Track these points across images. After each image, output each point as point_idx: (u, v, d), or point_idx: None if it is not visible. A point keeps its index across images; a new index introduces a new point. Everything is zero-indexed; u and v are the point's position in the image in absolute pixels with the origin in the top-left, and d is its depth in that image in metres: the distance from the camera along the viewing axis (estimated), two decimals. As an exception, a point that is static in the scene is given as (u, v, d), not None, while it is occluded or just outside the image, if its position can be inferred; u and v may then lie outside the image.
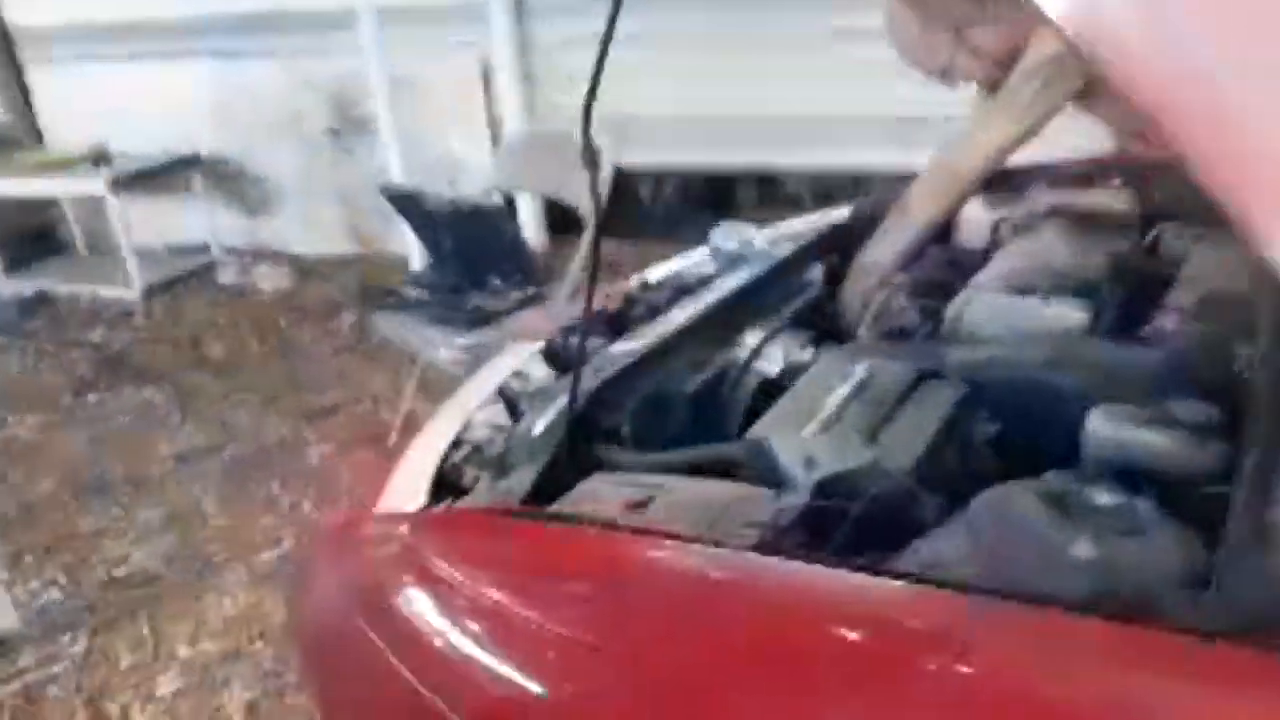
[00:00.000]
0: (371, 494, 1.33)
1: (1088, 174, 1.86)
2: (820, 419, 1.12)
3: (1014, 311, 1.35)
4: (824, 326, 1.71)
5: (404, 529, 1.16)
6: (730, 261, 1.92)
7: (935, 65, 1.76)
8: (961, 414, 1.16)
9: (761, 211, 4.55)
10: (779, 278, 1.77)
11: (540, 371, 1.56)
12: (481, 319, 2.53)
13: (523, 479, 1.18)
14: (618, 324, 1.81)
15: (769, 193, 4.55)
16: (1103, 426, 1.06)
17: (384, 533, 1.19)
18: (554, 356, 1.64)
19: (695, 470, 1.28)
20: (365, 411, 3.29)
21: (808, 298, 1.78)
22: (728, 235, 2.02)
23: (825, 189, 4.60)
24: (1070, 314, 1.32)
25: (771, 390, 1.51)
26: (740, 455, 1.21)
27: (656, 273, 1.96)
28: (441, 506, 1.19)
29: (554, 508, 1.09)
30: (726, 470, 1.19)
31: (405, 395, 2.97)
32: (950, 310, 1.46)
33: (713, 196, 4.73)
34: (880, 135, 4.07)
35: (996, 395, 1.19)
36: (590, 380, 1.40)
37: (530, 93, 4.43)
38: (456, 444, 1.37)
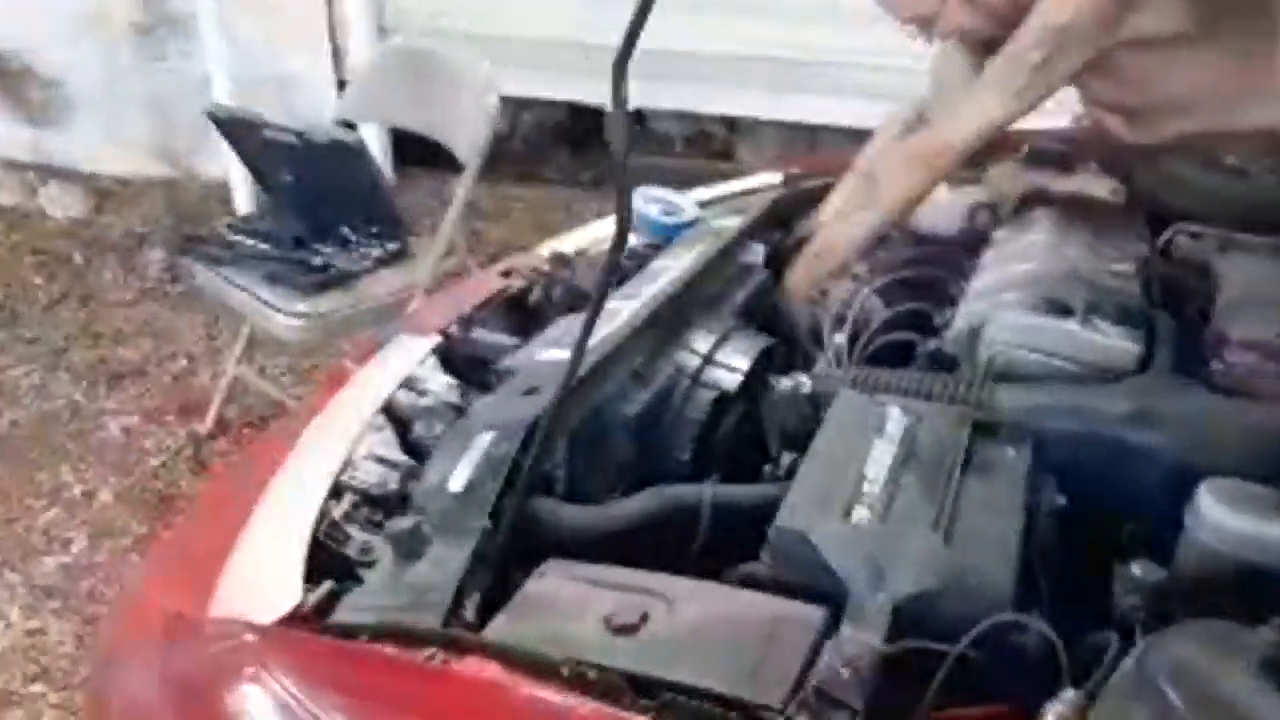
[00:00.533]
0: (213, 555, 0.95)
1: (1064, 154, 1.63)
2: (869, 499, 0.82)
3: (1047, 336, 1.09)
4: (762, 321, 1.43)
5: (251, 641, 0.80)
6: (657, 232, 1.61)
7: (918, 10, 1.47)
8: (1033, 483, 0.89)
9: (636, 152, 4.22)
10: (724, 261, 1.47)
11: (438, 381, 1.20)
12: (331, 280, 2.11)
13: (443, 568, 0.84)
14: (524, 309, 1.47)
15: (638, 131, 4.21)
16: (1221, 512, 0.81)
17: (225, 650, 0.81)
18: (453, 358, 1.28)
19: (655, 522, 0.99)
20: (179, 373, 2.79)
21: (753, 287, 1.48)
22: (651, 200, 1.70)
23: (696, 131, 4.31)
24: (1120, 344, 1.07)
25: (728, 406, 1.22)
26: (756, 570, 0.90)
27: (569, 243, 1.62)
28: (315, 599, 0.83)
29: (494, 629, 0.76)
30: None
31: (231, 358, 2.51)
32: (957, 324, 1.19)
33: (576, 131, 4.35)
34: (757, 79, 3.80)
35: (1061, 455, 0.93)
36: (511, 404, 1.06)
37: (379, -5, 3.92)
38: (336, 490, 1.00)
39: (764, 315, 1.46)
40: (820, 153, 3.76)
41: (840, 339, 1.36)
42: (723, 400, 1.22)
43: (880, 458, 0.87)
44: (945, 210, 1.58)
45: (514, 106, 4.28)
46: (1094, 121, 1.67)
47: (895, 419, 0.92)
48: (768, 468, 1.19)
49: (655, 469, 1.15)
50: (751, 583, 0.96)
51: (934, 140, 1.46)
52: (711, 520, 1.01)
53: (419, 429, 1.12)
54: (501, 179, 3.85)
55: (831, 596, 0.75)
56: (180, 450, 2.43)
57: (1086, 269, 1.22)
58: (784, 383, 1.08)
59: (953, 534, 0.79)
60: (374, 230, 2.20)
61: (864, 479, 0.85)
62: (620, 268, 0.80)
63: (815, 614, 0.72)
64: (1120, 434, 0.92)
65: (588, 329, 0.84)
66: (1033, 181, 1.58)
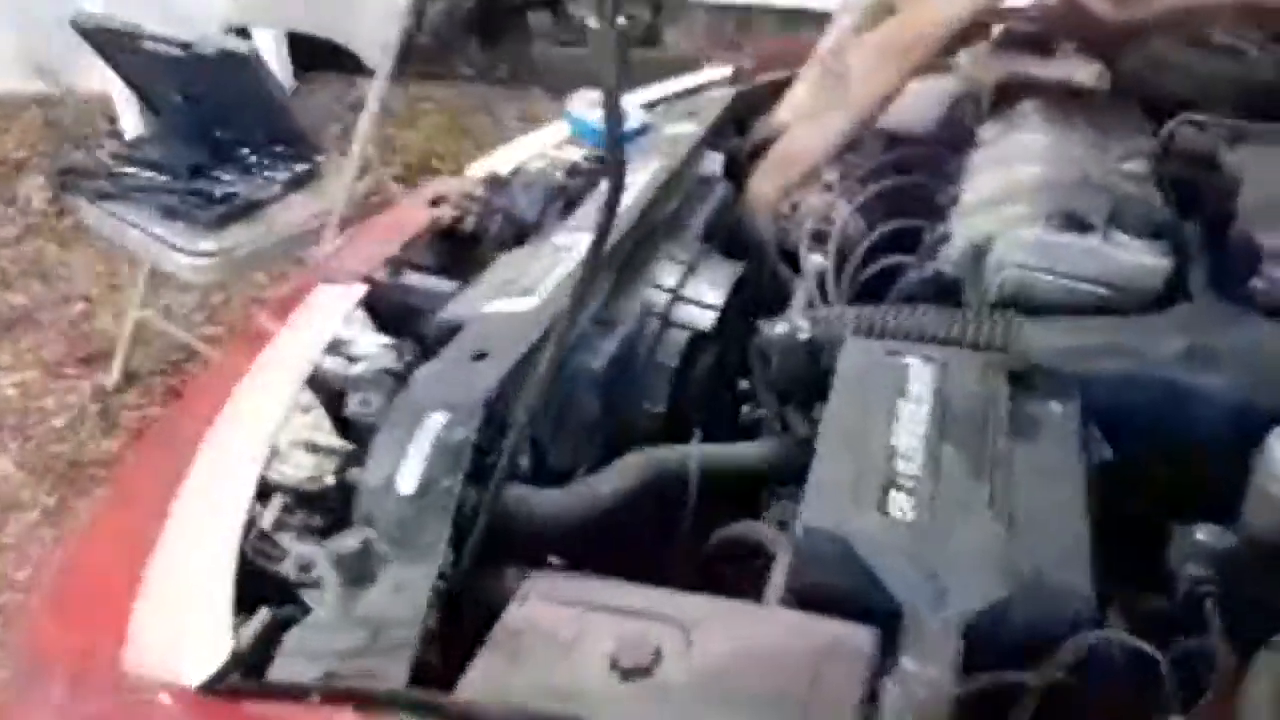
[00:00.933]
0: (124, 578, 0.80)
1: (1041, 36, 1.48)
2: (905, 480, 0.69)
3: (1067, 255, 0.97)
4: (725, 239, 1.28)
5: (172, 709, 0.66)
6: (601, 142, 1.43)
7: None
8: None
9: (557, 44, 3.93)
10: (682, 176, 1.30)
11: (369, 341, 1.04)
12: (236, 211, 1.88)
13: (403, 597, 0.69)
14: (455, 241, 1.30)
15: (565, 20, 3.92)
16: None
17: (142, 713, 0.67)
18: (382, 309, 1.11)
19: (641, 497, 0.87)
20: (75, 318, 2.52)
21: (715, 203, 1.32)
22: (590, 106, 1.52)
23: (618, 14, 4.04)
24: (1148, 261, 0.95)
25: (702, 346, 1.08)
26: (760, 535, 0.79)
27: (505, 161, 1.43)
28: (249, 636, 0.69)
29: (477, 678, 0.62)
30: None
31: (132, 301, 2.27)
32: (956, 242, 1.05)
33: (487, 22, 4.05)
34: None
35: (1103, 401, 0.81)
36: (461, 374, 0.90)
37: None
38: (263, 490, 0.85)
39: (727, 233, 1.31)
40: (757, 37, 3.56)
41: (819, 259, 1.22)
42: (696, 340, 1.08)
43: (910, 424, 0.74)
44: (919, 104, 1.43)
45: (418, -2, 3.96)
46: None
47: (919, 373, 0.79)
48: (745, 409, 1.07)
49: (626, 425, 1.02)
50: (737, 549, 0.85)
51: (908, 29, 1.31)
52: (701, 487, 0.89)
53: (353, 404, 0.96)
54: (409, 78, 3.55)
55: (872, 603, 0.63)
56: (85, 407, 2.20)
57: (1097, 172, 1.09)
58: (777, 328, 0.93)
59: (1012, 518, 0.66)
60: (278, 151, 1.97)
61: (895, 453, 0.72)
62: (610, 219, 0.64)
63: (864, 639, 0.60)
64: (1173, 375, 0.80)
65: (572, 318, 0.69)
66: (1009, 67, 1.44)
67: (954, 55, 1.47)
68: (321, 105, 3.42)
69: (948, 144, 1.33)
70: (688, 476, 0.90)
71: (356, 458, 0.89)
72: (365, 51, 2.07)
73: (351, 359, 1.01)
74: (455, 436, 0.82)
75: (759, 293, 1.21)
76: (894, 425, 0.74)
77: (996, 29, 1.50)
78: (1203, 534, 0.72)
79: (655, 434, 1.01)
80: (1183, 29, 1.39)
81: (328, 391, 0.98)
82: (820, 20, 1.52)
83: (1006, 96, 1.37)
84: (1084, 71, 1.41)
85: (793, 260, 1.27)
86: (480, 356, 0.91)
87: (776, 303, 1.19)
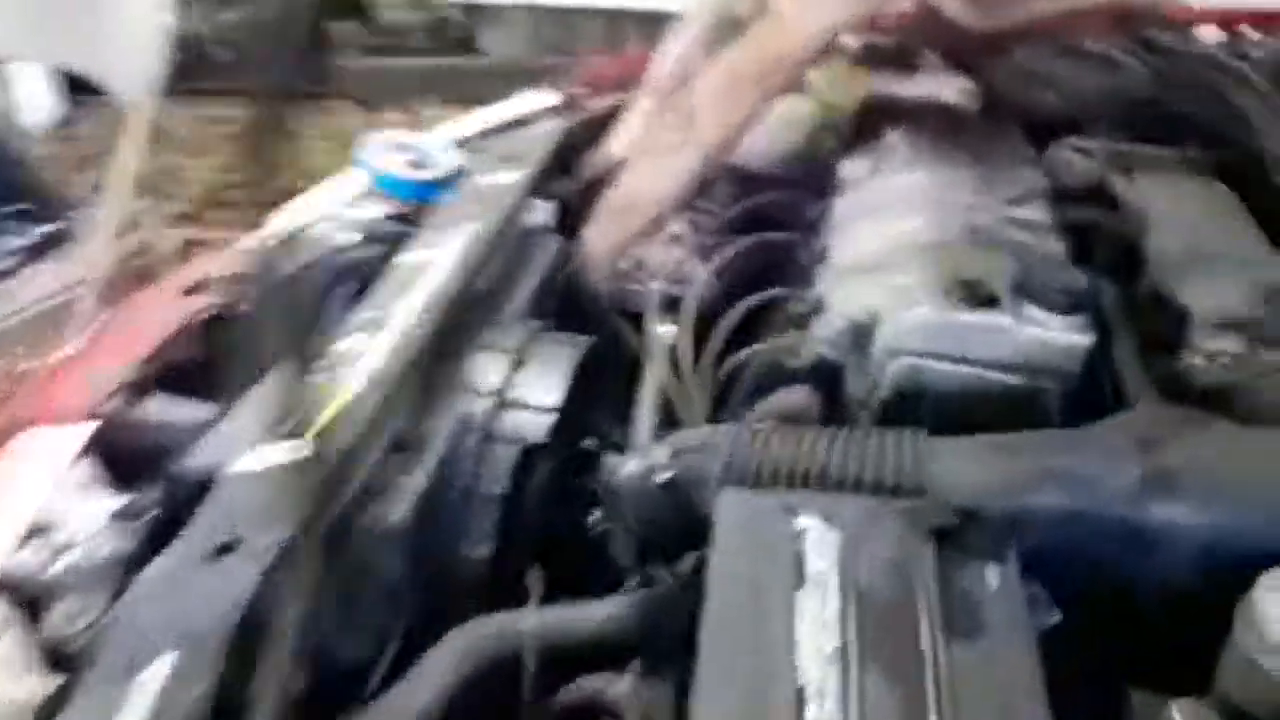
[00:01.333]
0: None
1: (902, 50, 1.32)
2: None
3: (973, 338, 0.79)
4: (559, 305, 1.07)
5: None
6: (406, 194, 1.20)
7: None
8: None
9: (368, 56, 3.61)
10: (505, 237, 1.08)
11: (88, 511, 0.77)
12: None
13: None
14: (225, 332, 1.05)
15: (374, 27, 3.61)
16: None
17: None
18: (116, 454, 0.85)
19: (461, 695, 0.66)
20: None
21: (546, 266, 1.10)
22: (395, 149, 1.27)
23: (432, 20, 3.77)
24: (1067, 339, 0.78)
25: (536, 459, 0.86)
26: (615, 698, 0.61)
27: (283, 220, 1.17)
28: None
29: None
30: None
31: None
32: (833, 320, 0.86)
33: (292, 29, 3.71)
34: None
35: (1041, 542, 0.63)
36: (199, 581, 0.65)
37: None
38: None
39: (561, 299, 1.09)
40: (582, 41, 3.35)
41: (669, 333, 1.02)
42: (529, 454, 0.86)
43: (816, 633, 0.54)
44: (774, 136, 1.25)
45: (211, 3, 3.59)
46: (923, 6, 1.37)
47: (820, 545, 0.59)
48: (592, 520, 0.86)
49: (442, 576, 0.79)
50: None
51: (764, 53, 1.11)
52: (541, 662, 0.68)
53: (56, 619, 0.70)
54: (200, 97, 3.11)
55: None
56: None
57: (988, 223, 0.92)
58: (627, 467, 0.72)
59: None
60: (16, 211, 1.64)
61: (802, 688, 0.51)
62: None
63: None
64: (1128, 512, 0.63)
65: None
66: (870, 88, 1.27)
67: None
68: (97, 137, 3.01)
69: (809, 184, 1.14)
70: (521, 654, 0.69)
71: (58, 704, 0.63)
72: (123, 86, 1.75)
73: (61, 548, 0.74)
74: (187, 692, 0.57)
75: (608, 364, 1.00)
76: (796, 636, 0.54)
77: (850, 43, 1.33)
78: (1180, 713, 0.56)
79: (481, 581, 0.79)
80: (1051, 37, 1.25)
81: (26, 597, 0.72)
82: (647, 22, 1.31)
83: (869, 123, 1.20)
84: (951, 88, 1.26)
85: (638, 321, 1.06)
86: (226, 549, 0.66)
87: (626, 376, 0.99)
